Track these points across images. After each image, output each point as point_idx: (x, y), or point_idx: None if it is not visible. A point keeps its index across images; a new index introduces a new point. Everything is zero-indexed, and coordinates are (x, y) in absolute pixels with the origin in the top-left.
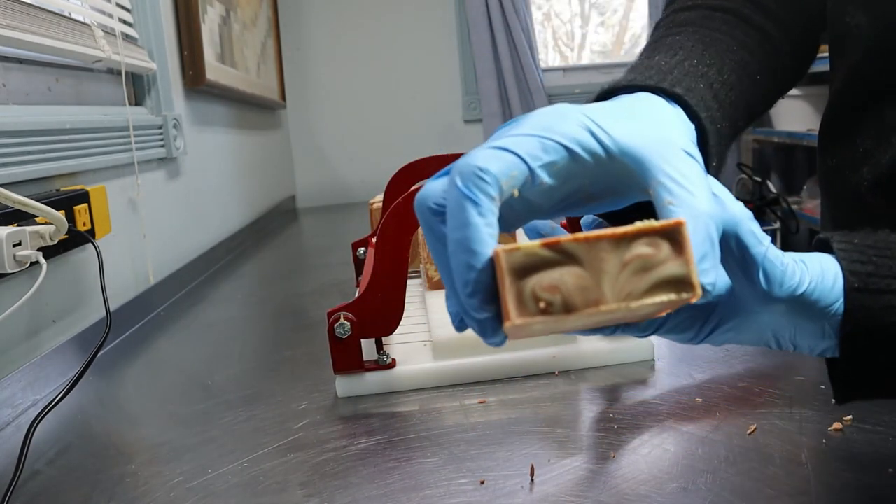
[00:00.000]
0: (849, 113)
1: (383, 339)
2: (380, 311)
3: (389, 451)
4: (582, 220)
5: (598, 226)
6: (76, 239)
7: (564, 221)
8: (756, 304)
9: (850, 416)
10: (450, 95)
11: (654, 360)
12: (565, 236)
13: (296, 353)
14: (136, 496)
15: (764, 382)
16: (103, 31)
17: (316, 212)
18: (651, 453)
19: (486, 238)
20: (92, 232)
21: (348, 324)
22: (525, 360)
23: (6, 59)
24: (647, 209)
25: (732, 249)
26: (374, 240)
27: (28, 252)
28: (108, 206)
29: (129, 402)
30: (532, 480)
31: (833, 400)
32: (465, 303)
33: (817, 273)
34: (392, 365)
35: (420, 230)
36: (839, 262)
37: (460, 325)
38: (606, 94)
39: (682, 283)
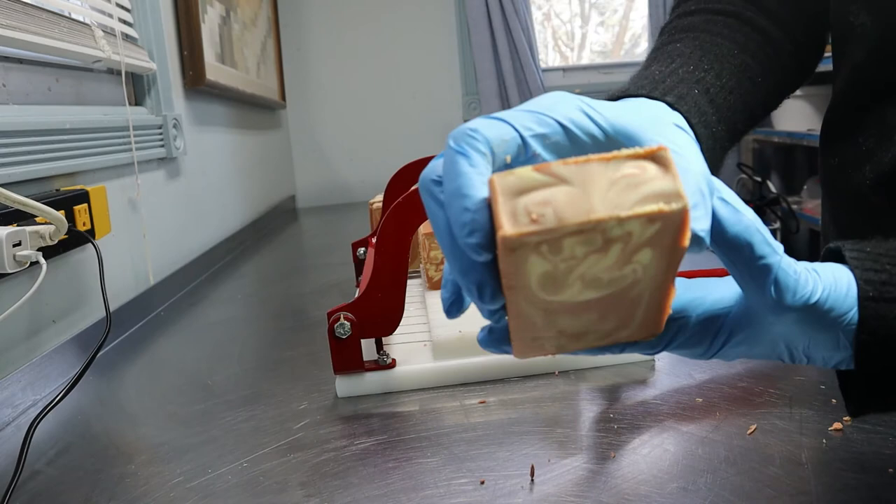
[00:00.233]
0: (851, 112)
1: (383, 339)
2: (380, 311)
3: (389, 451)
4: None
5: None
6: (76, 239)
7: None
8: (769, 315)
9: (850, 416)
10: (450, 95)
11: (654, 360)
12: (556, 161)
13: (296, 353)
14: (136, 496)
15: (764, 382)
16: (103, 31)
17: (316, 212)
18: (651, 453)
19: (478, 184)
20: (92, 232)
21: (348, 324)
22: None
23: (6, 59)
24: None
25: (746, 257)
26: (374, 240)
27: (28, 252)
28: (108, 206)
29: (129, 402)
30: (532, 480)
31: (849, 414)
32: (463, 246)
33: (830, 282)
34: (392, 365)
35: (420, 229)
36: (852, 270)
37: (451, 307)
38: None
39: (670, 195)
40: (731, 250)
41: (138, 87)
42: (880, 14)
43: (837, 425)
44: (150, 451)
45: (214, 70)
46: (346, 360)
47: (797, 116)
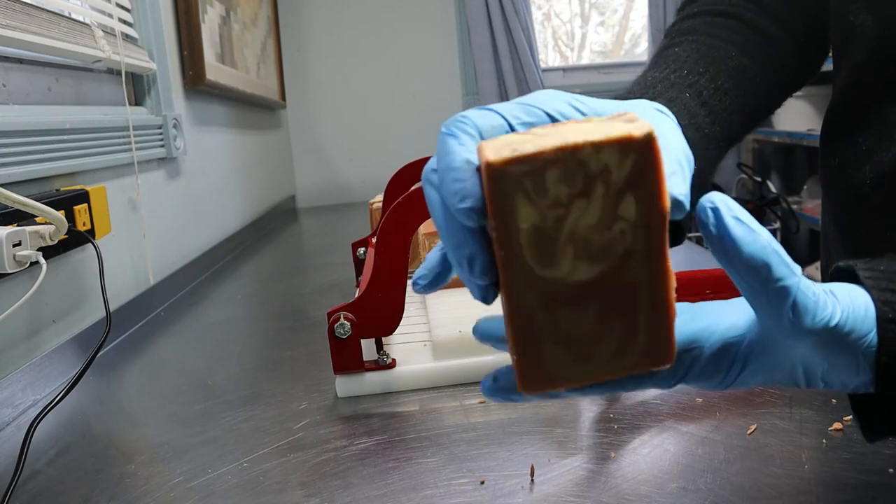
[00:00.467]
0: (851, 112)
1: (383, 339)
2: (380, 311)
3: (389, 451)
4: None
5: None
6: (76, 239)
7: None
8: (787, 339)
9: (850, 416)
10: (450, 95)
11: None
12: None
13: (296, 353)
14: (136, 496)
15: None
16: (103, 31)
17: (316, 212)
18: (651, 453)
19: (468, 157)
20: (92, 232)
21: (348, 324)
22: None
23: (6, 59)
24: None
25: (762, 279)
26: (374, 240)
27: (28, 252)
28: (108, 206)
29: (129, 402)
30: (532, 480)
31: (867, 440)
32: (456, 213)
33: (848, 303)
34: (392, 365)
35: (420, 229)
36: (868, 291)
37: (426, 284)
38: None
39: (636, 127)
40: (746, 271)
41: (138, 87)
42: (881, 13)
43: (837, 425)
44: (150, 451)
45: (214, 70)
46: (346, 360)
47: (797, 116)
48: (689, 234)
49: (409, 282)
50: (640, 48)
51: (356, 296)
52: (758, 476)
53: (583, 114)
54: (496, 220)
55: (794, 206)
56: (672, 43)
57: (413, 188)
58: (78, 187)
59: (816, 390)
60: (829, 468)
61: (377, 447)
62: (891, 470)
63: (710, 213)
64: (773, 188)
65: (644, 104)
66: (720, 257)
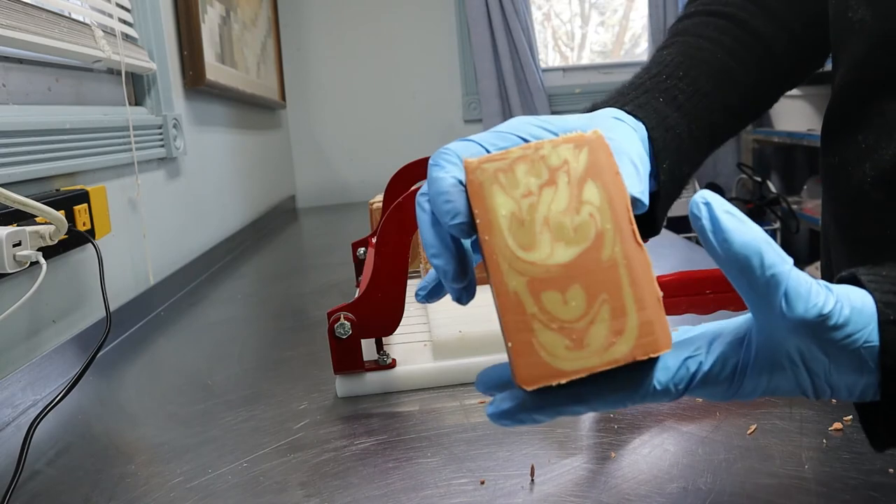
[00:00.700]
0: (851, 109)
1: (383, 339)
2: (380, 311)
3: (389, 451)
4: None
5: None
6: (76, 239)
7: None
8: (783, 331)
9: (850, 416)
10: (450, 95)
11: None
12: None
13: (296, 353)
14: (136, 496)
15: None
16: (103, 31)
17: (316, 212)
18: (651, 453)
19: (453, 181)
20: (92, 232)
21: (348, 324)
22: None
23: (6, 59)
24: None
25: (755, 268)
26: (374, 240)
27: (28, 252)
28: (108, 206)
29: (129, 402)
30: (532, 480)
31: (875, 449)
32: (449, 230)
33: (843, 295)
34: (392, 365)
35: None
36: (871, 293)
37: (426, 295)
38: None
39: (588, 132)
40: (739, 262)
41: (138, 87)
42: (880, 8)
43: (837, 425)
44: (150, 451)
45: (214, 70)
46: (346, 360)
47: (797, 116)
48: (689, 235)
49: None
50: (640, 48)
51: (356, 296)
52: (758, 476)
53: (553, 133)
54: (478, 209)
55: (794, 206)
56: (665, 44)
57: (413, 188)
58: (78, 187)
59: None
60: (829, 468)
61: (377, 447)
62: (891, 470)
63: (702, 207)
64: (773, 188)
65: (604, 114)
66: (713, 251)
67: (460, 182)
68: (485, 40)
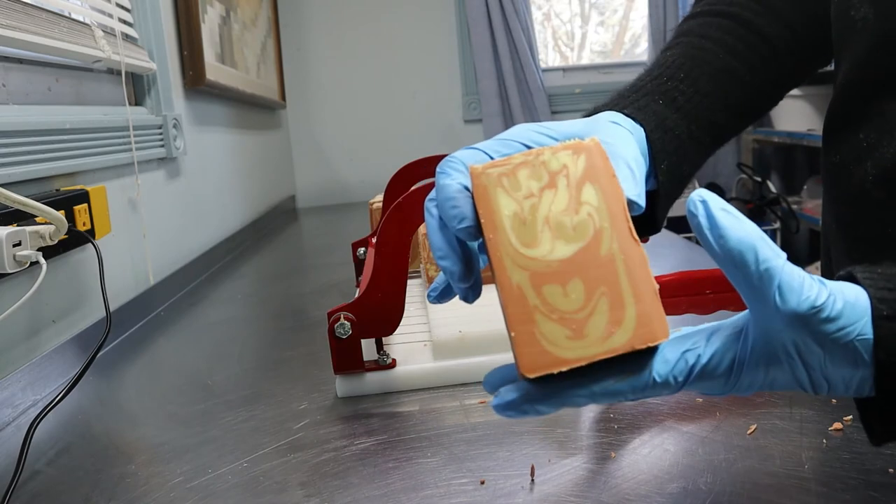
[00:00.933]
0: (852, 107)
1: (383, 339)
2: (380, 311)
3: (389, 451)
4: None
5: None
6: (76, 239)
7: None
8: (778, 323)
9: (850, 416)
10: (450, 95)
11: None
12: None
13: (296, 353)
14: (136, 496)
15: None
16: (103, 31)
17: (316, 212)
18: (651, 453)
19: (460, 187)
20: (92, 232)
21: (348, 324)
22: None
23: (6, 59)
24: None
25: (750, 263)
26: (374, 240)
27: (28, 252)
28: (108, 206)
29: (129, 402)
30: (532, 480)
31: (872, 444)
32: (456, 233)
33: (837, 288)
34: (392, 365)
35: (420, 230)
36: (866, 290)
37: (437, 296)
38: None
39: (586, 139)
40: (735, 258)
41: (138, 87)
42: (882, 7)
43: (837, 425)
44: (150, 451)
45: (214, 70)
46: (347, 360)
47: (797, 116)
48: (689, 235)
49: (409, 283)
50: (640, 48)
51: (356, 296)
52: (758, 476)
53: (554, 139)
54: (483, 210)
55: (794, 206)
56: (668, 45)
57: (413, 188)
58: (78, 187)
59: None
60: (829, 468)
61: (377, 447)
62: (891, 470)
63: (699, 205)
64: (773, 188)
65: (603, 118)
66: (710, 247)
67: (466, 188)
68: (485, 40)
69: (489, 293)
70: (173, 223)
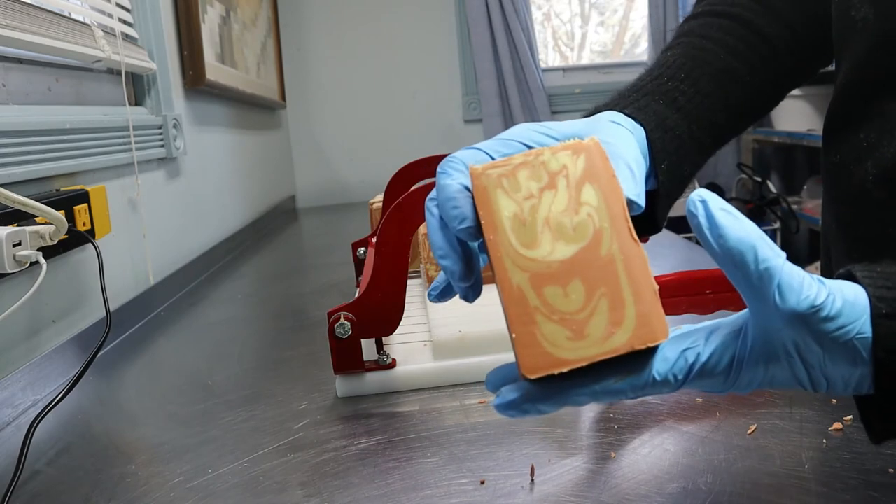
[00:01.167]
0: (852, 107)
1: (383, 339)
2: (380, 311)
3: (390, 451)
4: None
5: None
6: (76, 239)
7: None
8: (777, 322)
9: (850, 416)
10: (450, 95)
11: None
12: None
13: (296, 353)
14: (136, 496)
15: None
16: (103, 31)
17: (316, 212)
18: (651, 453)
19: (460, 187)
20: (92, 232)
21: (348, 324)
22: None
23: (6, 59)
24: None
25: (749, 262)
26: (374, 240)
27: (28, 252)
28: (108, 206)
29: (129, 402)
30: (532, 480)
31: (872, 442)
32: (457, 233)
33: (836, 287)
34: (392, 365)
35: (420, 229)
36: (865, 288)
37: (438, 295)
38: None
39: (586, 139)
40: (734, 257)
41: (138, 87)
42: (882, 7)
43: (837, 425)
44: (150, 451)
45: (214, 70)
46: (347, 360)
47: (797, 116)
48: (689, 235)
49: (409, 283)
50: (640, 48)
51: (356, 296)
52: (758, 476)
53: (554, 139)
54: (483, 211)
55: (794, 206)
56: (669, 45)
57: (413, 188)
58: (78, 187)
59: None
60: (829, 468)
61: (377, 447)
62: (891, 470)
63: (699, 205)
64: (773, 188)
65: (603, 118)
66: (709, 247)
67: (467, 188)
68: (485, 40)
69: (489, 293)
70: (173, 223)
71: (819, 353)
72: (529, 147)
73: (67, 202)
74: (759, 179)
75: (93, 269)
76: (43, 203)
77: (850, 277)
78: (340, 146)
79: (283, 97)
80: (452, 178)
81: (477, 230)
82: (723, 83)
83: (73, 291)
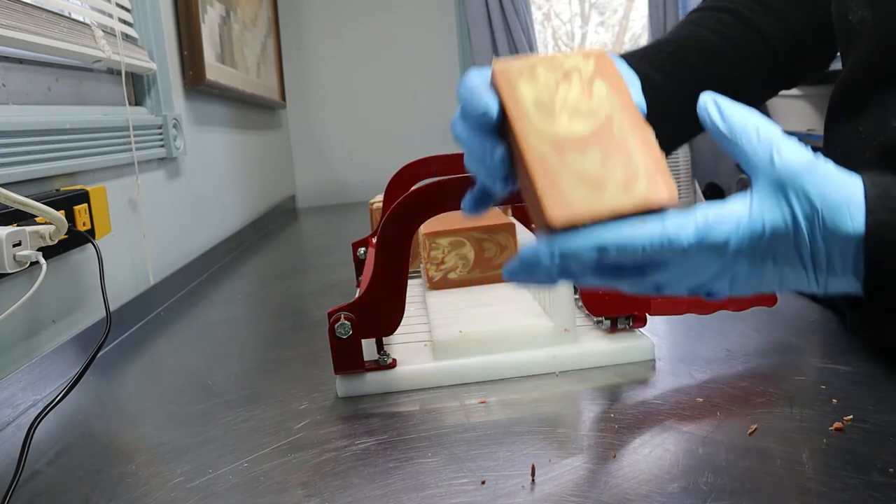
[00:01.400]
0: (851, 101)
1: (384, 339)
2: (380, 311)
3: (390, 451)
4: None
5: None
6: (76, 239)
7: None
8: (779, 176)
9: (850, 416)
10: (450, 95)
11: (654, 360)
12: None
13: (296, 353)
14: (137, 496)
15: (764, 382)
16: (103, 31)
17: (316, 212)
18: (652, 453)
19: (481, 80)
20: (92, 232)
21: (349, 324)
22: (525, 360)
23: (6, 59)
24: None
25: (753, 138)
26: (374, 240)
27: (28, 252)
28: (108, 206)
29: (129, 402)
30: (533, 480)
31: (866, 332)
32: (479, 119)
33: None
34: (392, 365)
35: (420, 230)
36: (858, 175)
37: (474, 205)
38: None
39: (594, 49)
40: (740, 134)
41: (138, 87)
42: (880, 10)
43: (837, 425)
44: (150, 451)
45: (214, 70)
46: (347, 360)
47: (797, 116)
48: None
49: (410, 283)
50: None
51: (356, 296)
52: (758, 476)
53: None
54: (506, 95)
55: None
56: (671, 31)
57: (413, 188)
58: (78, 187)
59: (817, 391)
60: (829, 468)
61: (377, 447)
62: (891, 470)
63: (708, 98)
64: None
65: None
66: (716, 129)
67: (488, 83)
68: (485, 40)
69: (490, 293)
70: (173, 223)
71: (817, 210)
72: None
73: (67, 202)
74: None
75: (93, 269)
76: (43, 203)
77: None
78: (340, 146)
79: (283, 97)
80: (473, 76)
81: (499, 118)
82: (712, 62)
83: (73, 291)
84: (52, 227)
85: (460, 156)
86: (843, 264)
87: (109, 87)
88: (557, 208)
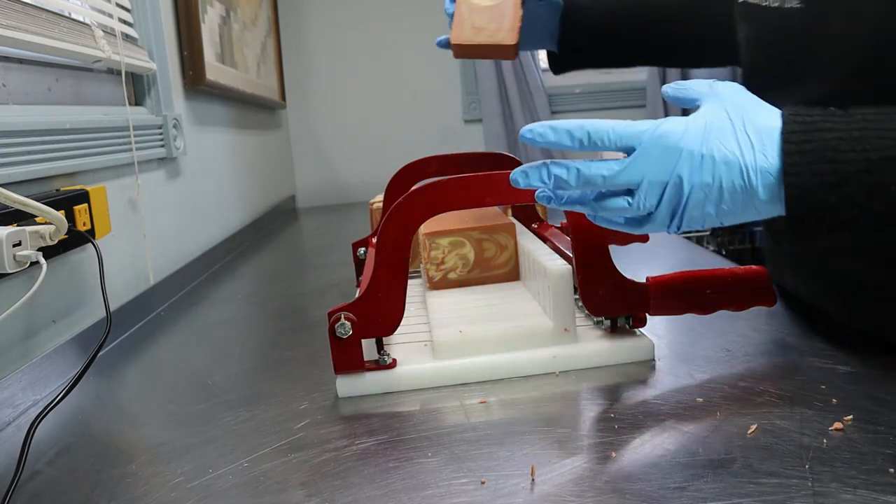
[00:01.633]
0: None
1: (384, 339)
2: (380, 311)
3: (390, 451)
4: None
5: None
6: (76, 239)
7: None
8: (711, 91)
9: (850, 416)
10: (450, 95)
11: (654, 360)
12: None
13: (296, 353)
14: (137, 496)
15: (764, 382)
16: (103, 31)
17: (316, 212)
18: (651, 453)
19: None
20: (92, 232)
21: (349, 324)
22: (525, 360)
23: (6, 59)
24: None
25: (701, 84)
26: (374, 240)
27: (28, 252)
28: (108, 206)
29: (129, 402)
30: (533, 480)
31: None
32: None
33: None
34: (393, 365)
35: (420, 230)
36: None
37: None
38: None
39: None
40: (688, 85)
41: (138, 87)
42: (752, 27)
43: (838, 425)
44: (150, 451)
45: (214, 70)
46: (347, 360)
47: None
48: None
49: (410, 283)
50: None
51: (356, 296)
52: (758, 476)
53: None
54: None
55: None
56: None
57: (413, 188)
58: (78, 187)
59: (817, 391)
60: (829, 468)
61: (378, 447)
62: (891, 470)
63: (670, 88)
64: None
65: None
66: (677, 99)
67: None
68: None
69: (490, 293)
70: (173, 223)
71: (745, 112)
72: None
73: (67, 202)
74: None
75: (93, 269)
76: (43, 203)
77: None
78: (340, 146)
79: (283, 97)
80: None
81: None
82: (646, 7)
83: (73, 291)
84: (52, 227)
85: (460, 156)
86: (769, 145)
87: (109, 87)
88: (455, 38)
